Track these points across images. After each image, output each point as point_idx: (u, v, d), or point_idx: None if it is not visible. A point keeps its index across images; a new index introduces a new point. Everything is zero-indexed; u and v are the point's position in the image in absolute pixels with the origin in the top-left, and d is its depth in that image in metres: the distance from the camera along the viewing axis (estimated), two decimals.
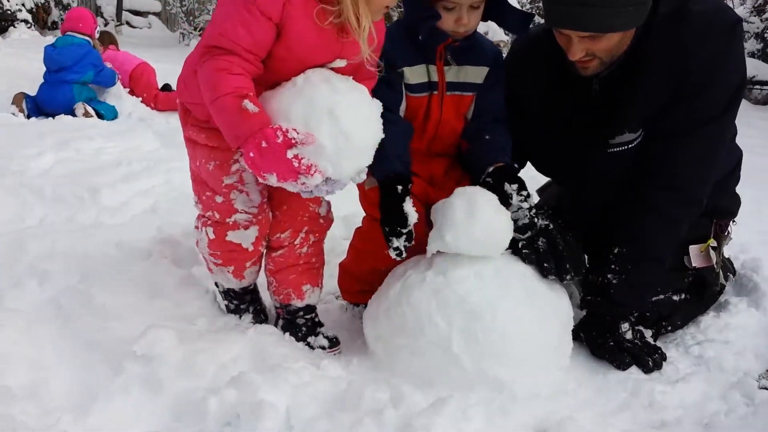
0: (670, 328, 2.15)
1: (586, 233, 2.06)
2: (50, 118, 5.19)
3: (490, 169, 1.96)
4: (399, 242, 1.80)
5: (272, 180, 1.54)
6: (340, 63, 1.72)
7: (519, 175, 2.00)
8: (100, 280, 2.05)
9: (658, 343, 2.07)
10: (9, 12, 9.95)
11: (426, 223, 1.92)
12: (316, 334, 1.99)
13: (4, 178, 3.30)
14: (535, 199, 2.48)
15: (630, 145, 2.00)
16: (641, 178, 1.97)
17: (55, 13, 11.05)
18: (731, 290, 2.42)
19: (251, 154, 1.52)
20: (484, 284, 1.76)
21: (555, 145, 2.15)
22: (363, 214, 2.20)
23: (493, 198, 1.82)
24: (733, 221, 2.32)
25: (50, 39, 10.13)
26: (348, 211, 2.70)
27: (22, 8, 10.20)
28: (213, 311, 2.08)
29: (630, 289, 1.99)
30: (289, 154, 1.52)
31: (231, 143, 1.57)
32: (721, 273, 2.20)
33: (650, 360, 1.92)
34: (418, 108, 2.03)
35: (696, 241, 2.14)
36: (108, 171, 3.58)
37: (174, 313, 1.99)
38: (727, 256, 2.42)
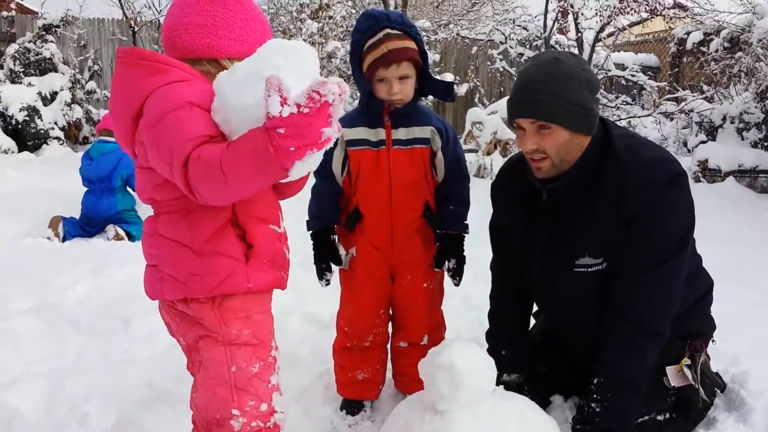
0: None
1: (575, 355, 2.26)
2: (84, 240, 5.51)
3: (439, 234, 2.51)
4: (329, 276, 2.48)
5: (330, 133, 1.34)
6: None
7: (460, 248, 2.48)
8: (134, 424, 2.25)
9: None
10: (42, 131, 10.54)
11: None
12: None
13: (44, 310, 3.57)
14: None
15: (591, 269, 2.20)
16: (608, 309, 2.19)
17: (86, 129, 11.66)
18: (722, 405, 2.53)
19: (292, 148, 1.33)
20: (479, 423, 1.94)
21: (529, 267, 2.39)
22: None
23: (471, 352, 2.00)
24: (712, 340, 2.49)
25: (82, 154, 10.70)
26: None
27: (55, 126, 10.80)
28: None
29: (614, 415, 2.15)
30: (294, 108, 1.32)
31: (273, 165, 1.36)
32: (701, 389, 2.32)
33: None
34: (365, 160, 2.42)
35: (672, 363, 2.30)
36: (139, 299, 3.83)
37: None
38: (715, 371, 2.57)
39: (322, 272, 2.49)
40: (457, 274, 2.53)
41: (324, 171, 2.42)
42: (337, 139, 2.29)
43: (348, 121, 2.43)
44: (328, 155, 2.40)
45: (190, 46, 1.70)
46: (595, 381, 2.19)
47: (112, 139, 5.89)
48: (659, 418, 2.28)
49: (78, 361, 3.02)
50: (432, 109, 2.60)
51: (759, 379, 2.59)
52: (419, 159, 2.44)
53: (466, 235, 2.54)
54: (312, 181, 2.34)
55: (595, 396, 2.18)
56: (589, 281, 2.22)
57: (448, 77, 12.41)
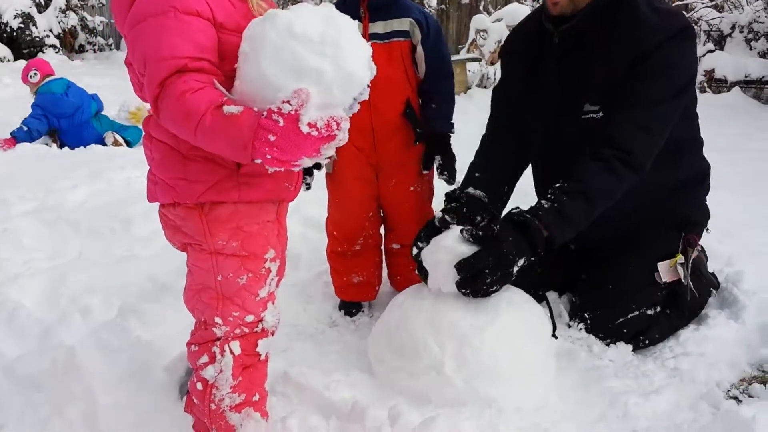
0: (648, 341, 2.32)
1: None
2: (82, 147, 5.50)
3: (419, 133, 2.39)
4: (310, 180, 2.43)
5: (307, 162, 1.37)
6: None
7: (450, 148, 2.43)
8: (136, 314, 2.30)
9: (638, 356, 2.27)
10: (38, 38, 10.35)
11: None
12: None
13: (44, 212, 3.59)
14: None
15: (594, 115, 2.24)
16: (597, 140, 2.17)
17: (82, 37, 11.44)
18: (714, 303, 2.56)
19: (268, 156, 1.32)
20: (473, 311, 1.99)
21: (535, 119, 2.41)
22: None
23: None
24: (707, 229, 2.51)
25: (78, 63, 10.58)
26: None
27: (50, 34, 10.60)
28: None
29: (557, 216, 2.06)
30: (303, 127, 1.31)
31: (241, 158, 1.39)
32: (690, 284, 2.34)
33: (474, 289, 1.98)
34: None
35: (664, 257, 2.33)
36: (138, 201, 3.84)
37: None
38: (711, 272, 2.60)
39: (303, 176, 2.40)
40: (446, 170, 2.46)
41: None
42: None
43: None
44: None
45: None
46: (556, 184, 2.14)
47: (58, 76, 5.83)
48: (649, 312, 2.30)
49: (79, 259, 3.06)
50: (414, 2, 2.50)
51: (752, 279, 2.61)
52: (397, 54, 2.34)
53: (452, 133, 2.47)
54: None
55: (549, 195, 2.11)
56: (593, 131, 2.21)
57: None
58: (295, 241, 3.04)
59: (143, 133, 1.64)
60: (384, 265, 2.74)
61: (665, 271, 2.32)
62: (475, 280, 1.97)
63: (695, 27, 8.40)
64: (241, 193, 1.57)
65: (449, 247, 2.02)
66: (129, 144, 5.70)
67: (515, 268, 2.00)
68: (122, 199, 3.91)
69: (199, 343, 1.66)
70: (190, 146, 1.50)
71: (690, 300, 2.36)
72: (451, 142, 2.47)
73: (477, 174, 2.46)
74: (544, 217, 2.06)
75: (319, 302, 2.76)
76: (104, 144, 5.62)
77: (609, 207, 2.16)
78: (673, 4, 9.40)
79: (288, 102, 1.31)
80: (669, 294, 2.36)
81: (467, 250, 1.99)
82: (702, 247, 2.54)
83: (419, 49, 2.38)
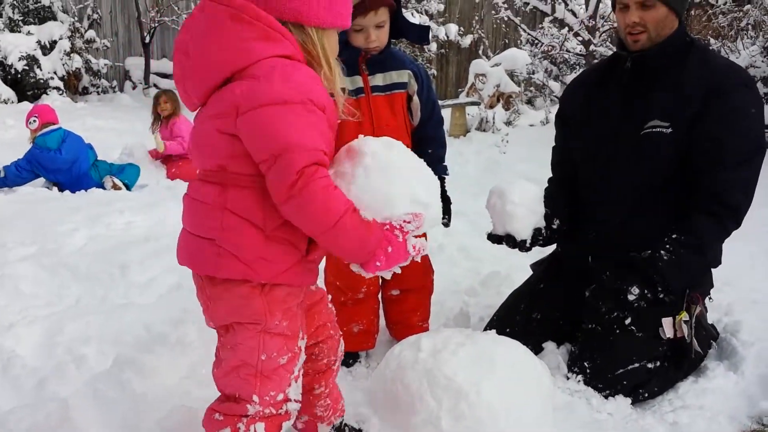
0: (647, 395, 2.31)
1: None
2: (82, 190, 5.52)
3: None
4: None
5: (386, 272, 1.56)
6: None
7: (445, 192, 2.49)
8: (131, 365, 2.28)
9: (637, 410, 2.25)
10: (42, 81, 10.46)
11: None
12: None
13: (42, 257, 3.59)
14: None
15: (658, 129, 2.35)
16: (701, 196, 2.31)
17: (86, 79, 11.56)
18: (713, 354, 2.55)
19: (378, 263, 1.51)
20: (470, 364, 1.97)
21: (593, 134, 2.54)
22: None
23: None
24: (709, 298, 2.52)
25: (82, 105, 10.68)
26: None
27: (54, 76, 10.72)
28: None
29: (677, 268, 2.26)
30: (409, 246, 1.53)
31: (358, 259, 1.53)
32: (694, 341, 2.36)
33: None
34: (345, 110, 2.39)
35: (668, 313, 2.33)
36: (137, 246, 3.84)
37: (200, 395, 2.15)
38: (710, 323, 2.60)
39: None
40: (443, 213, 2.49)
41: None
42: None
43: None
44: None
45: (276, 5, 1.50)
46: (674, 236, 2.29)
47: (57, 126, 5.78)
48: (649, 365, 2.30)
49: (76, 306, 3.05)
50: (434, 63, 2.59)
51: (751, 329, 2.61)
52: (399, 104, 2.44)
53: (446, 177, 2.54)
54: None
55: (667, 247, 2.28)
56: (656, 145, 2.34)
57: (452, 28, 12.29)
58: None
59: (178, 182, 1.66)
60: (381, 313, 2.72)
61: (669, 327, 2.32)
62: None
63: None
64: (305, 278, 1.64)
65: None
66: (128, 187, 5.73)
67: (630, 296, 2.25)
68: (121, 243, 3.91)
69: (225, 414, 1.64)
70: (275, 227, 1.52)
71: (688, 353, 2.35)
72: (445, 185, 2.54)
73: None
74: (665, 269, 2.25)
75: None
76: (104, 188, 5.65)
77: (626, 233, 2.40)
78: None
79: (410, 222, 1.53)
80: (669, 350, 2.35)
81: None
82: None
83: (415, 98, 2.47)
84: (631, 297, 2.23)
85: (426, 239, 1.64)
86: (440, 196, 2.40)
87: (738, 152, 2.28)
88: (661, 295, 2.24)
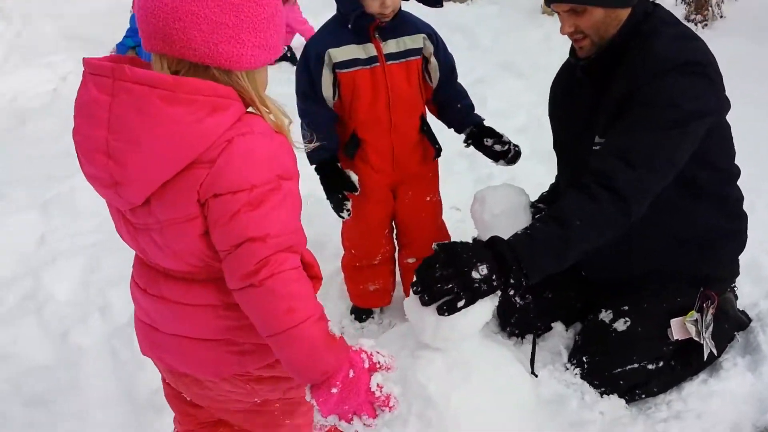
0: (644, 395, 2.24)
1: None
2: None
3: (468, 131, 2.47)
4: (349, 204, 2.32)
5: (332, 420, 1.32)
6: None
7: (491, 127, 2.47)
8: None
9: (630, 411, 2.19)
10: None
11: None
12: None
13: None
14: None
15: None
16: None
17: None
18: (737, 346, 2.39)
19: (333, 390, 1.26)
20: (445, 372, 1.97)
21: (560, 140, 2.46)
22: None
23: None
24: (733, 287, 2.35)
25: None
26: None
27: None
28: None
29: (526, 237, 1.88)
30: (373, 383, 1.31)
31: (305, 378, 1.28)
32: (708, 342, 2.20)
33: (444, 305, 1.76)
34: (359, 82, 2.28)
35: (679, 312, 2.20)
36: None
37: None
38: (741, 309, 2.44)
39: (341, 203, 2.32)
40: (501, 145, 2.44)
41: (315, 96, 2.30)
42: (323, 61, 2.25)
43: (332, 39, 2.28)
44: (317, 77, 2.28)
45: (202, 49, 1.21)
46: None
47: None
48: (650, 366, 2.20)
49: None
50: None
51: None
52: (414, 71, 2.36)
53: (484, 120, 2.50)
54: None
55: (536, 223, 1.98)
56: None
57: None
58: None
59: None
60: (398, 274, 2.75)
61: (678, 328, 2.19)
62: (426, 278, 1.76)
63: None
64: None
65: None
66: None
67: (475, 273, 1.75)
68: None
69: None
70: None
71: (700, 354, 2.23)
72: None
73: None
74: (513, 237, 1.87)
75: (336, 300, 2.82)
76: None
77: (621, 239, 1.99)
78: None
79: (380, 352, 1.35)
80: (680, 347, 2.24)
81: None
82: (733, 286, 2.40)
83: (432, 60, 2.39)
84: (475, 275, 1.75)
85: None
86: (494, 134, 2.43)
87: (627, 126, 2.01)
88: (512, 280, 1.80)
